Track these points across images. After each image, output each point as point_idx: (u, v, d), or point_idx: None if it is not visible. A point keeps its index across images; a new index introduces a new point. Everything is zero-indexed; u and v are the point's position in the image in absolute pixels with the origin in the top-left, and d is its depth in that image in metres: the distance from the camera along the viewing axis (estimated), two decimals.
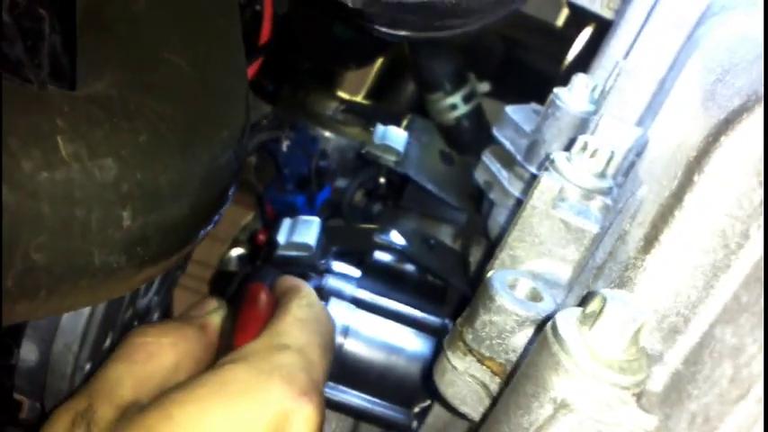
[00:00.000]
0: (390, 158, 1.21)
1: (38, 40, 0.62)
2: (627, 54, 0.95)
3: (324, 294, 1.05)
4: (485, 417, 0.67)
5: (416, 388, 1.03)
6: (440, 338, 0.99)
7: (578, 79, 0.93)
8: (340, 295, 1.06)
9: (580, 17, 1.47)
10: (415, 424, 1.03)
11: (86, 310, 0.78)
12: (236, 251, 1.44)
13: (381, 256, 1.15)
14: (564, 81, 0.95)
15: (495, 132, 1.02)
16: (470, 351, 0.67)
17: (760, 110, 0.51)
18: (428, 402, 1.01)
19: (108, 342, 0.84)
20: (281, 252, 1.06)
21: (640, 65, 0.90)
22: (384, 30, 0.89)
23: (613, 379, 0.49)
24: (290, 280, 0.81)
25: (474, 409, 0.68)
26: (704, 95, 0.61)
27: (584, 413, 0.50)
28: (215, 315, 0.74)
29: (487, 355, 0.66)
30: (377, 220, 1.29)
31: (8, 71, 0.60)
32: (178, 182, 0.51)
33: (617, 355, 0.50)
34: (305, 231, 1.07)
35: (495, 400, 0.66)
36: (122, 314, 0.86)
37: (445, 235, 1.26)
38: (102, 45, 0.57)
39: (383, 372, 1.03)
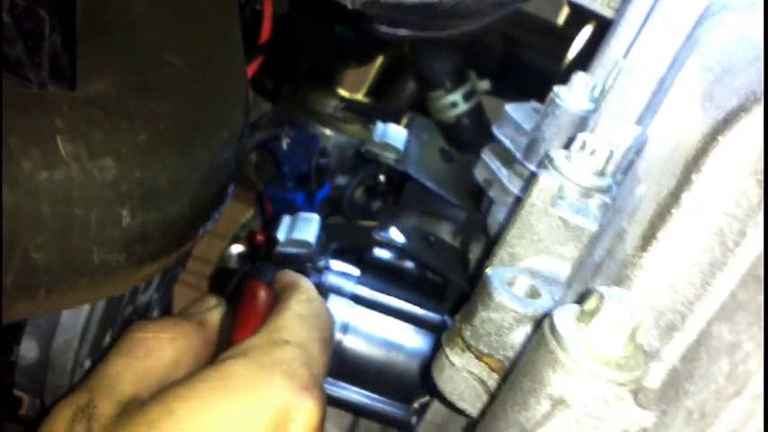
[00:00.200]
0: (390, 156, 1.21)
1: (38, 41, 0.62)
2: (627, 53, 0.95)
3: (323, 291, 1.05)
4: (483, 413, 0.67)
5: (415, 384, 1.03)
6: (439, 335, 1.00)
7: (578, 78, 0.93)
8: (339, 292, 1.06)
9: (580, 16, 1.47)
10: (414, 420, 1.03)
11: (86, 307, 0.78)
12: (236, 248, 1.45)
13: (381, 253, 1.16)
14: (564, 79, 0.95)
15: (495, 130, 1.02)
16: (469, 347, 0.67)
17: (758, 110, 0.51)
18: (427, 398, 1.01)
19: (108, 339, 0.85)
20: (280, 249, 1.06)
21: (640, 64, 0.90)
22: (384, 29, 0.89)
23: (610, 376, 0.49)
24: (289, 275, 0.81)
25: (472, 406, 0.69)
26: (703, 95, 0.62)
27: (582, 409, 0.50)
28: (214, 312, 0.75)
29: (486, 351, 0.66)
30: (377, 217, 1.29)
31: (9, 71, 0.61)
32: (177, 181, 0.51)
33: (614, 352, 0.50)
34: (304, 228, 1.07)
35: (493, 397, 0.66)
36: (122, 311, 0.86)
37: (445, 232, 1.26)
38: (102, 46, 0.57)
39: (382, 368, 1.03)
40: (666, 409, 0.51)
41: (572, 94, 0.92)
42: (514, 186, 0.99)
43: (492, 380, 0.67)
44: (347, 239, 1.13)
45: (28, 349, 0.79)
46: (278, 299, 0.75)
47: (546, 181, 0.69)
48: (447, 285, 1.15)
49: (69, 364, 0.80)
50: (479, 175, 1.04)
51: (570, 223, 0.70)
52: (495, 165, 1.02)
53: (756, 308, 0.46)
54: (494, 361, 0.67)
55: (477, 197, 1.19)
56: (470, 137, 1.42)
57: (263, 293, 0.77)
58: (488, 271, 0.68)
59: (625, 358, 0.50)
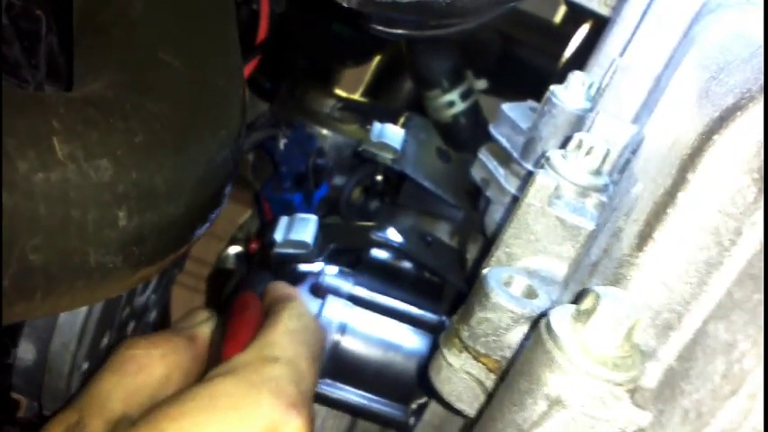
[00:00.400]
0: (387, 156, 1.21)
1: (35, 42, 0.63)
2: (623, 51, 0.95)
3: (321, 291, 1.05)
4: (480, 413, 0.67)
5: (413, 385, 1.03)
6: (437, 335, 1.00)
7: (574, 77, 0.93)
8: (337, 292, 1.06)
9: (577, 14, 1.47)
10: (412, 420, 1.03)
11: (83, 309, 0.78)
12: (234, 249, 1.45)
13: (378, 253, 1.15)
14: (561, 78, 0.95)
15: (492, 130, 1.02)
16: (466, 348, 0.67)
17: (754, 108, 0.52)
18: (425, 399, 1.01)
19: (105, 341, 0.85)
20: (278, 250, 1.06)
21: (636, 62, 0.90)
22: (380, 28, 0.89)
23: (607, 375, 0.49)
24: (281, 287, 0.81)
25: (470, 406, 0.69)
26: (699, 93, 0.62)
27: (578, 409, 0.50)
28: (204, 326, 0.75)
29: (483, 351, 0.66)
30: (374, 217, 1.29)
31: (6, 72, 0.61)
32: (174, 181, 0.51)
33: (611, 352, 0.50)
34: (302, 229, 1.07)
35: (490, 397, 0.66)
36: (120, 313, 0.86)
37: (442, 232, 1.26)
38: (99, 47, 0.57)
39: (380, 369, 1.03)
40: (663, 408, 0.51)
41: (569, 93, 0.93)
42: (511, 186, 0.99)
43: (490, 380, 0.67)
44: (345, 240, 1.13)
45: (25, 351, 0.79)
46: (269, 312, 0.75)
47: (543, 180, 0.69)
48: (444, 285, 1.15)
49: (67, 367, 0.80)
50: (476, 174, 1.04)
51: (567, 223, 0.70)
52: (492, 164, 1.02)
53: (752, 306, 0.46)
54: (491, 361, 0.67)
55: (475, 197, 1.19)
56: (468, 136, 1.42)
57: (253, 306, 0.77)
58: (485, 271, 0.68)
59: (622, 358, 0.50)
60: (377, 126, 1.25)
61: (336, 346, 1.02)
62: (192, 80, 0.57)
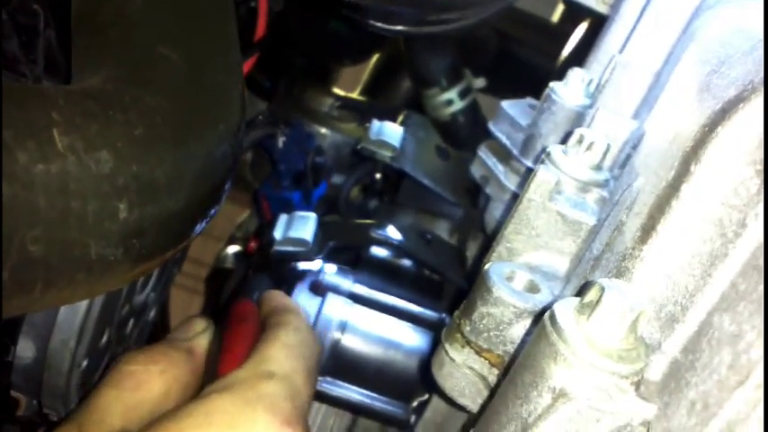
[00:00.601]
0: (386, 154, 1.21)
1: (33, 36, 0.62)
2: (622, 48, 0.95)
3: (321, 289, 1.05)
4: (483, 408, 0.67)
5: (414, 382, 1.03)
6: (437, 333, 1.00)
7: (574, 73, 0.93)
8: (337, 290, 1.06)
9: (575, 13, 1.47)
10: (412, 419, 1.03)
11: (83, 307, 0.77)
12: (232, 248, 1.44)
13: (378, 251, 1.15)
14: (559, 77, 0.95)
15: (491, 127, 1.02)
16: (468, 343, 0.67)
17: (756, 100, 0.51)
18: (426, 397, 1.01)
19: (105, 338, 0.84)
20: (277, 248, 1.06)
21: (636, 59, 0.90)
22: (379, 24, 0.89)
23: (612, 368, 0.49)
24: (278, 298, 0.81)
25: (472, 401, 0.68)
26: (700, 87, 0.61)
27: (583, 402, 0.50)
28: (202, 337, 0.74)
29: (485, 346, 0.66)
30: (373, 216, 1.29)
31: (3, 67, 0.60)
32: (174, 174, 0.50)
33: (615, 344, 0.50)
34: (301, 227, 1.07)
35: (493, 392, 0.66)
36: (119, 310, 0.86)
37: (442, 230, 1.26)
38: (97, 41, 0.57)
39: (381, 366, 1.03)
40: (669, 401, 0.51)
41: (568, 90, 0.92)
42: (511, 183, 0.99)
43: (492, 375, 0.67)
44: (344, 237, 1.13)
45: (24, 349, 0.78)
46: (266, 324, 0.75)
47: (543, 175, 0.68)
48: (444, 283, 1.14)
49: (66, 364, 0.79)
50: (476, 171, 1.04)
51: (568, 218, 0.70)
52: (491, 161, 1.02)
53: (758, 297, 0.46)
54: (494, 356, 0.67)
55: (474, 194, 1.19)
56: (466, 134, 1.42)
57: (250, 318, 0.77)
58: (487, 266, 0.68)
59: (626, 350, 0.50)
60: (376, 124, 1.25)
61: (337, 344, 1.02)
62: (192, 75, 0.57)
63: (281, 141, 1.20)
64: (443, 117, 1.43)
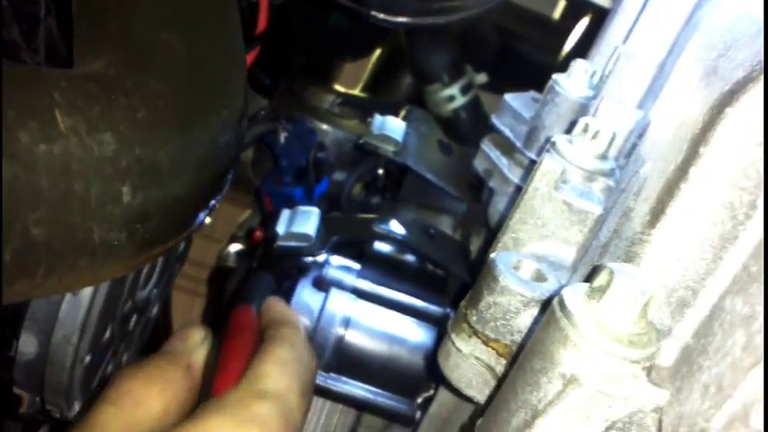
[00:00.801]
0: (389, 148, 1.20)
1: (34, 24, 0.62)
2: (626, 39, 0.94)
3: (324, 284, 1.04)
4: (490, 398, 0.66)
5: (419, 378, 1.02)
6: (442, 328, 0.99)
7: (577, 65, 0.92)
8: (341, 286, 1.05)
9: (576, 8, 1.46)
10: (417, 415, 1.02)
11: (85, 302, 0.77)
12: (234, 247, 1.44)
13: (381, 246, 1.15)
14: (562, 71, 0.94)
15: (495, 120, 1.02)
16: (475, 333, 0.66)
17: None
18: (431, 392, 1.00)
19: (108, 334, 0.84)
20: (280, 243, 1.05)
21: (639, 49, 0.90)
22: (381, 16, 0.88)
23: (623, 352, 0.48)
24: (277, 308, 0.81)
25: (479, 392, 0.68)
26: (706, 71, 0.61)
27: (594, 387, 0.49)
28: (200, 349, 0.74)
29: (492, 336, 0.65)
30: (375, 212, 1.28)
31: (4, 55, 0.60)
32: (177, 159, 0.50)
33: (626, 329, 0.49)
34: (304, 222, 1.06)
35: (500, 382, 0.65)
36: (122, 305, 0.85)
37: (445, 225, 1.25)
38: (99, 28, 0.56)
39: (385, 362, 1.02)
40: (681, 385, 0.50)
41: (571, 81, 0.92)
42: (515, 176, 0.98)
43: (500, 365, 0.66)
44: (347, 232, 1.12)
45: (27, 344, 0.78)
46: (264, 335, 0.75)
47: (549, 164, 0.68)
48: (448, 278, 1.14)
49: (69, 360, 0.79)
50: (479, 165, 1.04)
51: (574, 207, 0.69)
52: (494, 154, 1.01)
53: None
54: (501, 346, 0.66)
55: (477, 189, 1.18)
56: (468, 130, 1.41)
57: (248, 330, 0.76)
58: (493, 255, 0.67)
59: (637, 335, 0.49)
60: (378, 118, 1.24)
61: (341, 339, 1.02)
62: (194, 61, 0.57)
63: (282, 137, 1.20)
64: (445, 113, 1.42)
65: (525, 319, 0.64)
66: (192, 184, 0.52)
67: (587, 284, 0.51)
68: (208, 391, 0.69)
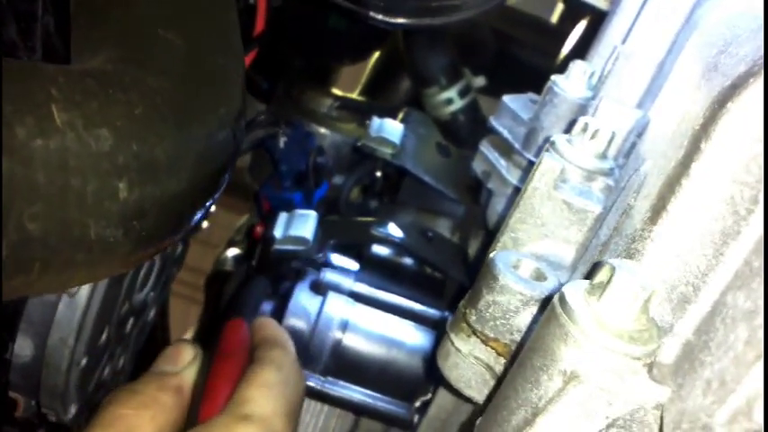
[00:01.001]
0: (387, 151, 1.20)
1: (31, 22, 0.61)
2: (624, 39, 0.94)
3: (322, 288, 1.04)
4: (489, 398, 0.66)
5: (417, 382, 1.01)
6: (440, 331, 0.98)
7: (576, 66, 0.92)
8: (338, 289, 1.05)
9: (574, 11, 1.47)
10: (416, 419, 1.02)
11: (82, 304, 0.76)
12: (232, 251, 1.43)
13: (379, 249, 1.14)
14: (560, 73, 0.94)
15: (493, 122, 1.02)
16: (474, 332, 0.66)
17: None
18: (429, 396, 1.00)
19: (104, 336, 0.83)
20: (277, 246, 1.05)
21: (638, 49, 0.90)
22: (380, 17, 0.88)
23: (624, 349, 0.48)
24: (267, 328, 0.81)
25: (479, 392, 0.67)
26: (707, 67, 0.61)
27: (595, 384, 0.48)
28: (190, 369, 0.74)
29: (492, 335, 0.65)
30: (373, 215, 1.28)
31: (2, 53, 0.60)
32: (175, 155, 0.50)
33: (627, 325, 0.49)
34: (301, 225, 1.06)
35: (500, 381, 0.64)
36: (119, 308, 0.85)
37: (443, 228, 1.25)
38: (97, 25, 0.56)
39: (383, 366, 1.02)
40: (683, 382, 0.49)
41: (570, 82, 0.92)
42: (513, 177, 0.98)
43: (499, 365, 0.66)
44: (345, 235, 1.12)
45: (23, 347, 0.77)
46: (252, 356, 0.75)
47: (548, 163, 0.67)
48: (446, 281, 1.13)
49: (65, 363, 0.78)
50: (478, 167, 1.03)
51: (574, 206, 0.69)
52: (493, 156, 1.01)
53: None
54: (500, 345, 0.65)
55: (476, 192, 1.18)
56: (466, 133, 1.41)
57: (237, 352, 0.76)
58: (492, 254, 0.67)
59: (639, 331, 0.49)
60: (376, 121, 1.24)
61: (338, 343, 1.01)
62: (192, 58, 0.56)
63: (282, 141, 1.19)
64: (443, 116, 1.42)
65: (525, 318, 0.64)
66: (189, 182, 0.52)
67: (588, 281, 0.51)
68: (195, 416, 0.70)
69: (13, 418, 0.83)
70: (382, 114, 1.29)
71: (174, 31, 0.56)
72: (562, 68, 0.94)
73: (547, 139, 0.89)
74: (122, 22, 0.55)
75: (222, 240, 1.65)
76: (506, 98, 1.01)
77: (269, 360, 0.73)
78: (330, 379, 1.02)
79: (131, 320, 0.91)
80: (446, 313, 1.06)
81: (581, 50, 1.17)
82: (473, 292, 0.67)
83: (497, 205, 1.00)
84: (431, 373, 0.98)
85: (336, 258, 1.09)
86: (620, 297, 0.49)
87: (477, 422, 0.60)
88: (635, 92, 0.88)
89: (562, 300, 0.50)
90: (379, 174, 1.29)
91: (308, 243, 1.04)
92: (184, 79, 0.53)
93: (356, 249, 1.14)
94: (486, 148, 1.02)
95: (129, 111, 0.47)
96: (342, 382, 1.02)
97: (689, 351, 0.51)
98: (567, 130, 0.85)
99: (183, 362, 0.74)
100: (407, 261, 1.15)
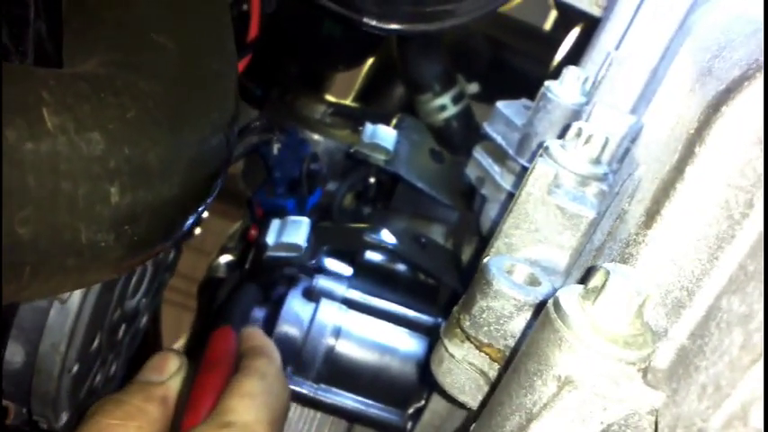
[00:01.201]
0: (380, 157, 1.20)
1: (23, 27, 0.61)
2: (618, 45, 0.94)
3: (315, 295, 1.03)
4: (483, 404, 0.65)
5: (410, 388, 1.01)
6: (433, 338, 0.98)
7: (569, 71, 0.92)
8: (331, 296, 1.04)
9: (567, 18, 1.47)
10: (409, 425, 1.01)
11: (73, 310, 0.76)
12: (225, 258, 1.43)
13: (372, 255, 1.14)
14: (554, 79, 0.94)
15: (487, 128, 1.02)
16: (468, 338, 0.65)
17: (761, 77, 0.50)
18: (422, 403, 1.00)
19: (96, 343, 0.83)
20: (270, 253, 1.05)
21: (632, 55, 0.90)
22: (374, 23, 0.88)
23: (618, 354, 0.48)
24: (254, 338, 0.81)
25: (473, 398, 0.67)
26: (701, 72, 0.61)
27: (589, 389, 0.48)
28: (176, 379, 0.74)
29: (486, 341, 0.65)
30: (367, 222, 1.28)
31: None
32: (167, 160, 0.49)
33: (621, 330, 0.48)
34: (294, 232, 1.06)
35: (494, 387, 0.64)
36: (111, 314, 0.84)
37: (437, 234, 1.24)
38: (89, 28, 0.55)
39: (376, 373, 1.01)
40: (677, 387, 0.49)
41: (563, 88, 0.92)
42: (507, 183, 0.98)
43: (493, 371, 0.66)
44: (338, 242, 1.12)
45: (13, 354, 0.77)
46: (238, 365, 0.75)
47: (542, 168, 0.67)
48: (439, 287, 1.13)
49: (56, 369, 0.78)
50: (471, 173, 1.03)
51: (567, 211, 0.68)
52: (487, 162, 1.01)
53: None
54: (494, 351, 0.65)
55: (469, 198, 1.18)
56: (460, 140, 1.41)
57: (223, 362, 0.76)
58: (486, 260, 0.67)
59: (633, 336, 0.49)
60: (369, 127, 1.24)
61: (331, 350, 1.01)
62: (185, 62, 0.56)
63: (276, 148, 1.19)
64: (437, 122, 1.42)
65: (519, 323, 0.64)
66: (181, 186, 0.51)
67: (582, 286, 0.51)
68: (178, 426, 0.70)
69: (4, 425, 0.83)
70: (376, 120, 1.29)
71: (166, 36, 0.55)
72: (555, 75, 0.94)
73: (540, 145, 0.89)
74: (115, 26, 0.55)
75: (215, 247, 1.64)
76: (500, 104, 1.01)
77: (253, 369, 0.74)
78: (323, 386, 1.01)
79: (123, 327, 0.90)
80: (439, 319, 1.06)
81: (574, 57, 1.17)
82: (467, 298, 0.66)
83: (491, 211, 1.00)
84: (424, 380, 0.98)
85: (330, 263, 1.08)
86: (615, 302, 0.48)
87: (472, 428, 0.59)
88: (629, 97, 0.88)
89: (556, 305, 0.50)
90: (372, 180, 1.29)
91: (301, 250, 1.04)
92: (177, 83, 0.53)
93: (350, 256, 1.13)
94: (479, 153, 1.02)
95: (121, 114, 0.46)
96: (335, 389, 1.02)
97: (684, 356, 0.51)
98: (561, 135, 0.85)
99: (169, 371, 0.74)
100: (401, 267, 1.14)
